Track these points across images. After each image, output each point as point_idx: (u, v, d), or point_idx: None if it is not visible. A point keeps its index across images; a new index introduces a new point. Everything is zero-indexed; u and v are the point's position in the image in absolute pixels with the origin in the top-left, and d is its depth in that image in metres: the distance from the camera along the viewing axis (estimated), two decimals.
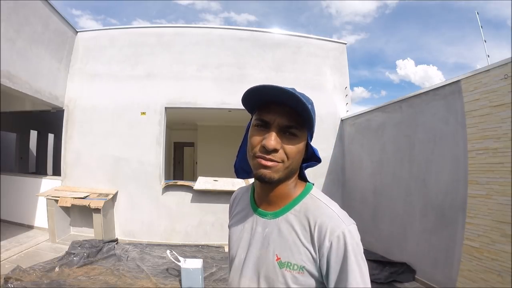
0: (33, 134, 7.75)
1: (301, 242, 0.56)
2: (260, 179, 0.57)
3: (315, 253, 0.54)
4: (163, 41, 4.80)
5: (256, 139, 0.57)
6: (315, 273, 0.54)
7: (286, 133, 0.56)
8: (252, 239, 0.62)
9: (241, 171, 0.73)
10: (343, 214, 0.57)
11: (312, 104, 0.58)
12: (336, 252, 0.52)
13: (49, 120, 7.02)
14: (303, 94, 0.57)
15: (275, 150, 0.55)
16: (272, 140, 0.54)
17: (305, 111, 0.54)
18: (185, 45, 4.79)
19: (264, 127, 0.57)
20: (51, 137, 8.48)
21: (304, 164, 0.65)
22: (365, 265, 0.53)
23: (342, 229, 0.53)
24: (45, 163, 8.33)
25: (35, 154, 8.11)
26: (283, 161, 0.56)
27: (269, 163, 0.55)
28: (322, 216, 0.56)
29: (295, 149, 0.57)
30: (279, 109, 0.56)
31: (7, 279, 2.68)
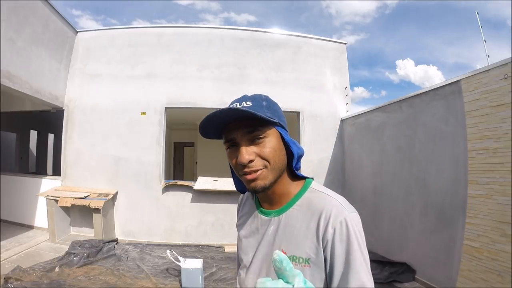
0: (33, 134, 7.75)
1: (305, 234, 0.57)
2: (254, 192, 0.60)
3: (320, 242, 0.55)
4: (163, 41, 4.80)
5: (233, 161, 0.60)
6: (321, 264, 0.55)
7: (254, 141, 0.58)
8: (260, 239, 0.64)
9: (243, 187, 0.73)
10: (345, 202, 0.59)
11: (265, 99, 0.61)
12: (340, 237, 0.53)
13: (49, 120, 7.02)
14: (254, 95, 0.60)
15: (251, 161, 0.57)
16: (243, 154, 0.56)
17: (257, 117, 0.55)
18: (185, 45, 4.79)
19: (234, 146, 0.59)
20: (51, 137, 8.49)
21: (295, 165, 0.65)
22: (366, 251, 0.54)
23: (345, 215, 0.55)
24: (45, 163, 8.34)
25: (35, 154, 8.12)
26: (265, 166, 0.58)
27: (254, 175, 0.57)
28: (325, 205, 0.58)
29: (269, 149, 0.58)
30: (236, 124, 0.58)
31: (7, 279, 2.68)
